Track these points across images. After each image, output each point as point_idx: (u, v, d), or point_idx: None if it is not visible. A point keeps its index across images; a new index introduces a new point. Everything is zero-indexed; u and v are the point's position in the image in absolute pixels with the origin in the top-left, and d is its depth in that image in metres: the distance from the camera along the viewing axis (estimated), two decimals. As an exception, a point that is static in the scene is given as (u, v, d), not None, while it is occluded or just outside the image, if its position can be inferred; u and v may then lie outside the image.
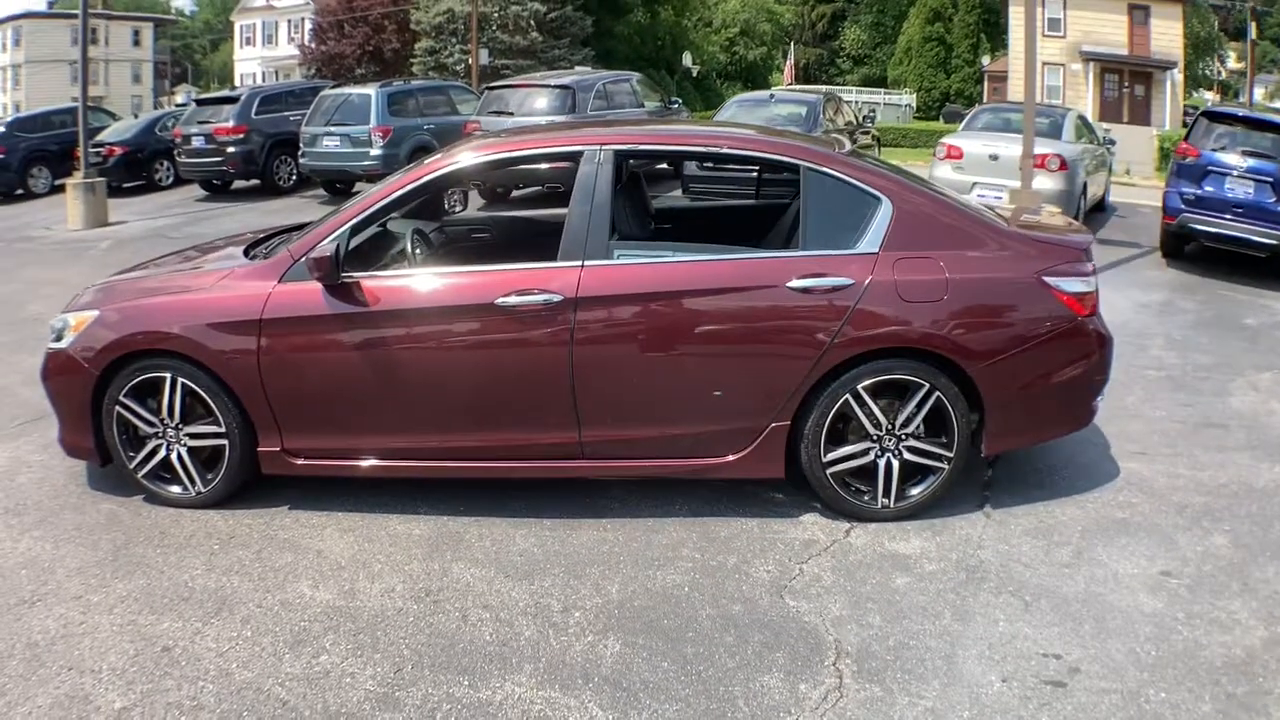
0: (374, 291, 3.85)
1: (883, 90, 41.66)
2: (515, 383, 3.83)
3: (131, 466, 4.10)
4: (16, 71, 55.97)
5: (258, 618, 3.28)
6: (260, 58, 55.11)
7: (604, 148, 3.97)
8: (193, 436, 4.02)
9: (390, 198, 4.03)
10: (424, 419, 3.91)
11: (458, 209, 11.68)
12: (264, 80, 47.29)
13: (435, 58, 30.75)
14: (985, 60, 41.80)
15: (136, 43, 60.25)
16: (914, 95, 41.54)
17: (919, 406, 3.81)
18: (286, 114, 16.13)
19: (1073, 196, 11.18)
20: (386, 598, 3.41)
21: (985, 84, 41.61)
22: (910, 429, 3.84)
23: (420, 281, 3.97)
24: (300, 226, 4.38)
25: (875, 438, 3.84)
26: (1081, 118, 13.55)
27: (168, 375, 3.94)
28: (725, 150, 4.34)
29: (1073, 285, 3.91)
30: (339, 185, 14.92)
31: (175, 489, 4.10)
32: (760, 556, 3.67)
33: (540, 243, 4.05)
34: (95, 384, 4.02)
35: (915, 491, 3.93)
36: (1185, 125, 31.10)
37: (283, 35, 54.21)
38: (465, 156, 4.18)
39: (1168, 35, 31.96)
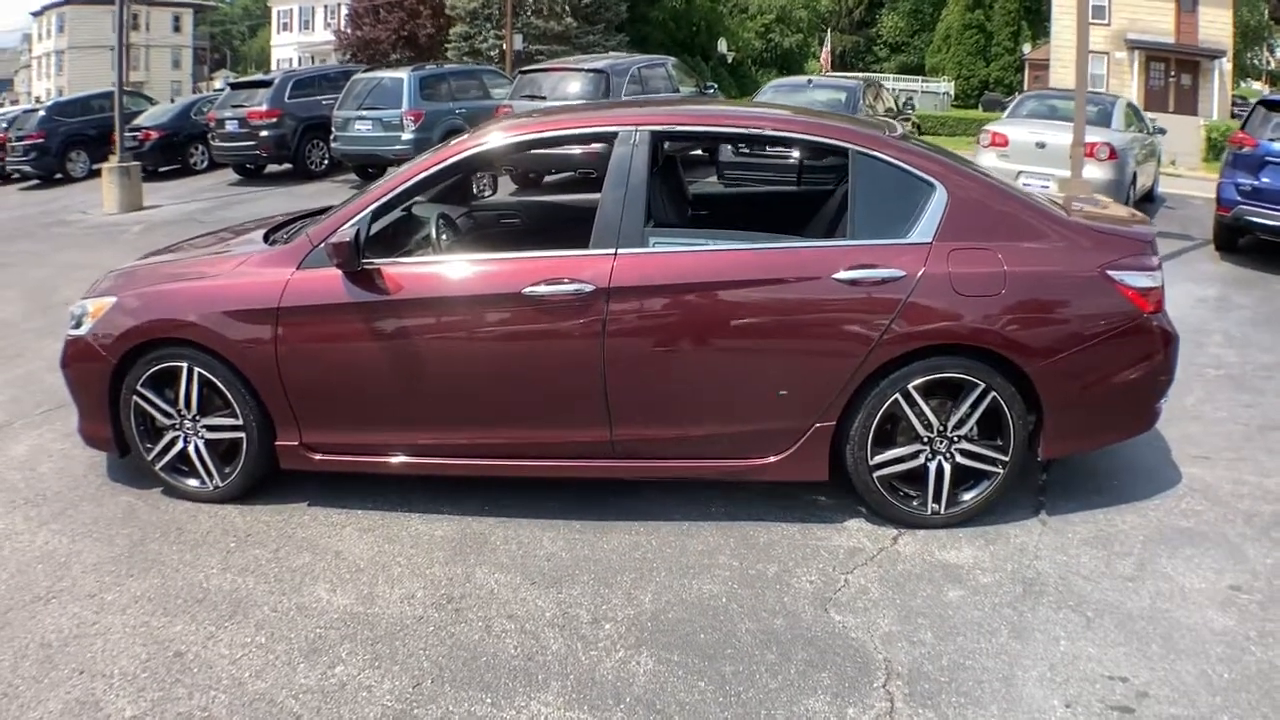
0: (395, 279, 3.67)
1: (920, 78, 41.01)
2: (543, 377, 3.64)
3: (149, 458, 3.98)
4: (60, 57, 56.77)
5: (273, 623, 3.13)
6: (297, 43, 55.38)
7: (640, 128, 3.75)
8: (210, 429, 3.88)
9: (415, 180, 3.85)
10: (446, 414, 3.74)
11: (486, 194, 11.49)
12: (300, 66, 47.51)
13: (469, 43, 30.66)
14: (1026, 48, 41.08)
15: (177, 28, 60.93)
16: (952, 83, 40.86)
17: (973, 407, 3.58)
18: (319, 98, 16.07)
19: (1122, 186, 10.81)
20: (406, 604, 3.24)
21: (1026, 72, 40.98)
22: (963, 431, 3.60)
23: (444, 269, 3.80)
24: (324, 210, 4.21)
25: (926, 440, 3.61)
26: (1131, 105, 13.13)
27: (184, 365, 3.80)
28: (768, 132, 4.09)
29: (1138, 280, 3.65)
30: (370, 169, 14.82)
31: (193, 482, 3.98)
32: (802, 565, 3.46)
33: (572, 229, 3.86)
34: (113, 373, 3.90)
35: (967, 497, 3.70)
36: (1234, 115, 30.54)
37: (319, 21, 54.47)
38: (494, 137, 3.98)
39: (1216, 24, 31.14)
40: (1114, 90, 28.20)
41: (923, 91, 37.05)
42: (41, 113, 20.10)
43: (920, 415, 3.58)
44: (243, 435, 3.83)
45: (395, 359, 3.68)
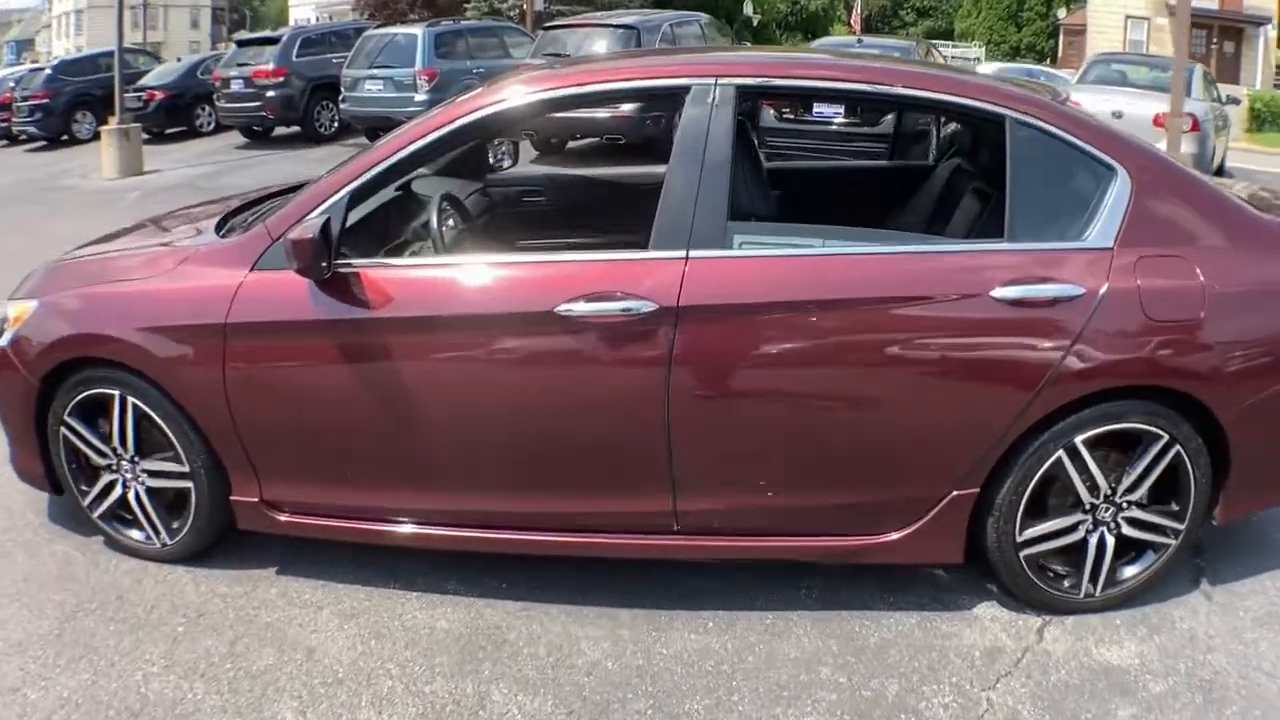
0: (380, 287, 2.71)
1: (949, 43, 39.91)
2: (580, 427, 2.71)
3: (85, 503, 3.15)
4: (80, 17, 55.98)
5: (218, 765, 2.30)
6: (314, 3, 54.31)
7: (721, 81, 2.74)
8: (152, 474, 3.03)
9: (408, 151, 2.83)
10: (446, 470, 2.82)
11: (505, 164, 10.39)
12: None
13: (489, 3, 29.59)
14: (1061, 13, 39.89)
15: (196, -14, 60.01)
16: (983, 48, 39.84)
17: (1151, 465, 2.70)
18: (329, 56, 15.17)
19: (1204, 161, 9.88)
20: (399, 743, 2.39)
21: (1060, 38, 40.01)
22: (1135, 496, 2.73)
23: (447, 274, 2.81)
24: (299, 187, 3.26)
25: (1089, 507, 2.73)
26: (1207, 74, 12.05)
27: (115, 392, 2.95)
28: (899, 89, 2.90)
29: None
30: (381, 132, 13.90)
31: (136, 535, 3.13)
32: (930, 680, 2.59)
33: (618, 216, 2.93)
34: (38, 396, 3.05)
35: (1129, 573, 2.83)
36: (1277, 85, 29.43)
37: (338, -20, 53.40)
38: (515, 92, 2.90)
39: (1262, -11, 29.97)
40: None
41: (952, 57, 36.05)
42: (47, 71, 19.42)
43: (1086, 477, 2.69)
44: (190, 485, 2.97)
45: (379, 396, 2.76)
